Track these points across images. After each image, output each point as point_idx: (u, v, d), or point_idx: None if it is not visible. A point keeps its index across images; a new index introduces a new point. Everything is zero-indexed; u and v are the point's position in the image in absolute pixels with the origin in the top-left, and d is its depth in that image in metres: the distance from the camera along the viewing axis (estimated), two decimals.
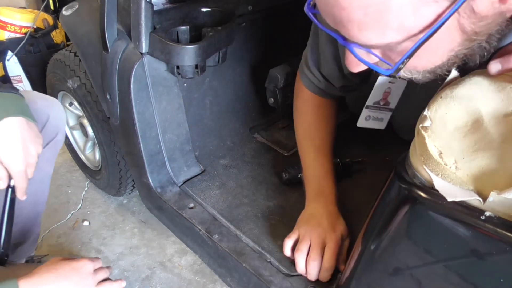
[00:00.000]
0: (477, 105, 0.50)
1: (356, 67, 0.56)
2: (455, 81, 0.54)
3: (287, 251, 0.90)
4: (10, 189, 0.89)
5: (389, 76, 0.54)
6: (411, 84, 0.88)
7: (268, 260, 0.94)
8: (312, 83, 1.03)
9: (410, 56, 0.49)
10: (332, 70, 0.94)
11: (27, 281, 0.76)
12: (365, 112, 0.72)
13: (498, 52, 0.54)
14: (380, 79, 0.68)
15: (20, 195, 0.88)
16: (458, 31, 0.49)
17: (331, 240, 0.86)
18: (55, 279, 0.79)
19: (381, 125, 0.76)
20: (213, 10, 1.08)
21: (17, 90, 0.87)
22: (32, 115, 0.86)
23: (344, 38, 0.51)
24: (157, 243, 1.47)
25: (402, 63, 0.50)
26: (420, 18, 0.46)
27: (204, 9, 1.08)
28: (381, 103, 0.71)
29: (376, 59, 0.53)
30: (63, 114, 1.07)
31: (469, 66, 0.57)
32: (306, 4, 0.54)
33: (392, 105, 0.73)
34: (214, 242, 1.01)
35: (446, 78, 0.57)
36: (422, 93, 0.64)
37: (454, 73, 0.55)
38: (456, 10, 0.45)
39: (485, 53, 0.54)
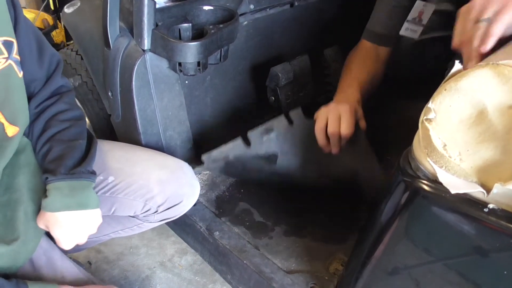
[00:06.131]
0: (481, 98, 0.50)
1: None
2: (459, 74, 0.54)
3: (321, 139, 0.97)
4: None
5: None
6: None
7: (269, 257, 0.94)
8: (370, 31, 1.12)
9: None
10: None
11: None
12: (405, 25, 0.97)
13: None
14: (417, 3, 0.96)
15: None
16: None
17: (344, 111, 0.95)
18: None
19: (415, 35, 1.00)
20: (215, 8, 1.08)
21: (92, 174, 0.80)
22: (93, 203, 0.80)
23: None
24: (157, 243, 1.46)
25: None
26: None
27: (206, 7, 1.08)
28: (417, 19, 0.95)
29: None
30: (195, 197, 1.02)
31: None
32: None
33: (424, 21, 0.96)
34: (215, 240, 1.01)
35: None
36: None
37: (457, 65, 0.55)
38: None
39: None
